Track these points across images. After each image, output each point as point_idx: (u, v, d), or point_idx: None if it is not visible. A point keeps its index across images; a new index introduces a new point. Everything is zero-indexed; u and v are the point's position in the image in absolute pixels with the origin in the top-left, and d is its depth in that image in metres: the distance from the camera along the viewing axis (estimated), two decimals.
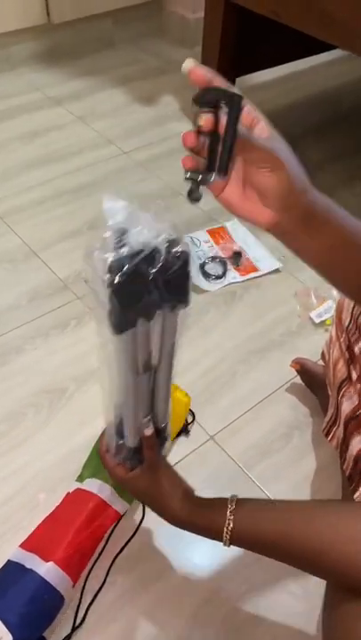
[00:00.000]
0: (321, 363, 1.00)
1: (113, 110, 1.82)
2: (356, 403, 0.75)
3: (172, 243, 0.47)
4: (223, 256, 1.30)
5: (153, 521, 0.86)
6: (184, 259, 0.47)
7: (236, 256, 1.29)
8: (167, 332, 0.53)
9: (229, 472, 0.93)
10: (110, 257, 0.45)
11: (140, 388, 0.57)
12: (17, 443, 0.94)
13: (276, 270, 1.29)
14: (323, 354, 0.95)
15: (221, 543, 0.59)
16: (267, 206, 0.47)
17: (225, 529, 0.57)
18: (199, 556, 0.84)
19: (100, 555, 0.82)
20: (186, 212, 1.44)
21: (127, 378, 0.54)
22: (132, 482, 0.66)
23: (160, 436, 0.65)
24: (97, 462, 0.83)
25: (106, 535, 0.83)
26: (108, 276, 0.44)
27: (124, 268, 0.44)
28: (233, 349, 1.12)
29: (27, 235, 1.34)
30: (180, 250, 0.47)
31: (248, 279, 1.26)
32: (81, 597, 0.78)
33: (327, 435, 0.84)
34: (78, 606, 0.77)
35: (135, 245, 0.45)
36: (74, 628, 0.76)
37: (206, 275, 1.25)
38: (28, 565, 0.74)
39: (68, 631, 0.75)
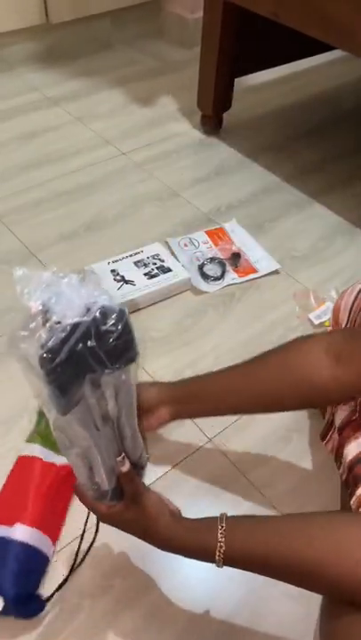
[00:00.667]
0: None
1: (111, 111, 1.82)
2: (352, 408, 0.75)
3: (105, 311, 0.44)
4: (222, 257, 1.29)
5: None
6: (122, 322, 0.46)
7: (235, 257, 1.29)
8: (121, 388, 0.52)
9: (228, 475, 0.93)
10: (40, 343, 0.42)
11: (104, 438, 0.55)
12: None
13: (275, 271, 1.28)
14: None
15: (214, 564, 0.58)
16: None
17: (217, 551, 0.57)
18: (195, 562, 0.83)
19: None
20: (184, 213, 1.44)
21: (88, 437, 0.53)
22: (116, 517, 0.64)
23: (137, 467, 0.64)
24: (36, 426, 0.89)
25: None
26: (42, 366, 0.43)
27: (59, 355, 0.42)
28: (231, 351, 1.12)
29: (25, 236, 1.34)
30: (114, 316, 0.45)
31: (247, 280, 1.26)
32: None
33: (323, 438, 0.83)
34: None
35: (64, 321, 0.43)
36: None
37: (205, 276, 1.24)
38: None
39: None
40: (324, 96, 2.00)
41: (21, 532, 0.76)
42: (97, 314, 0.44)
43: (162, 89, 1.93)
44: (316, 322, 1.17)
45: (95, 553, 0.82)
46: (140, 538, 0.65)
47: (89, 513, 0.83)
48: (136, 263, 1.22)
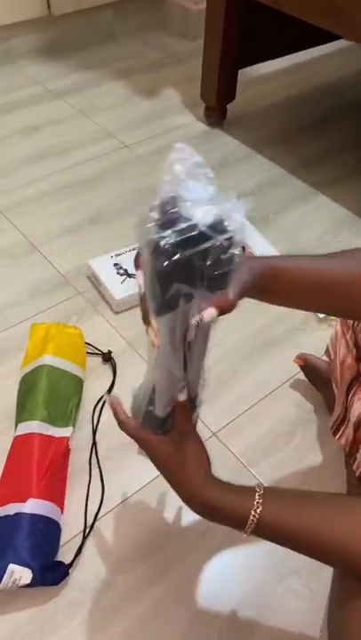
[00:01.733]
0: (325, 358, 0.99)
1: (114, 103, 1.80)
2: None
3: (231, 243, 0.45)
4: None
5: (154, 520, 0.85)
6: (235, 262, 0.46)
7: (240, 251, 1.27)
8: (196, 347, 0.53)
9: (232, 469, 0.92)
10: (166, 239, 0.43)
11: (176, 361, 0.55)
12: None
13: None
14: (327, 350, 0.94)
15: (239, 531, 0.55)
16: None
17: (252, 513, 0.53)
18: (201, 555, 0.82)
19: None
20: None
21: (167, 352, 0.53)
22: (155, 444, 0.59)
23: (192, 404, 0.62)
24: (22, 407, 0.91)
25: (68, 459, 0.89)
26: (156, 257, 0.44)
27: (175, 256, 0.43)
28: (235, 346, 1.11)
29: (27, 229, 1.33)
30: (231, 252, 0.45)
31: None
32: None
33: (335, 433, 0.82)
34: None
35: (197, 227, 0.44)
36: None
37: None
38: (12, 513, 0.78)
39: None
40: (328, 87, 1.98)
41: (34, 505, 0.78)
42: (223, 241, 0.44)
43: (165, 81, 1.92)
44: (322, 315, 1.15)
45: (98, 547, 0.82)
46: (168, 479, 0.59)
47: (89, 483, 0.88)
48: None
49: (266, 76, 1.97)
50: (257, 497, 0.54)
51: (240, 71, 1.65)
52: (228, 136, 1.68)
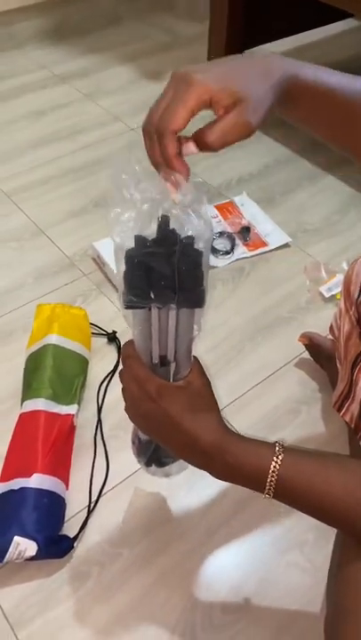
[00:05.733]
0: (330, 337, 0.99)
1: (120, 87, 1.79)
2: None
3: (192, 238, 0.46)
4: (231, 231, 1.28)
5: (158, 496, 0.86)
6: (196, 260, 0.46)
7: (245, 231, 1.27)
8: (182, 328, 0.52)
9: None
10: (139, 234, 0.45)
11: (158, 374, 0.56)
12: None
13: (286, 245, 1.27)
14: (331, 328, 0.93)
15: (259, 491, 0.51)
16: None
17: (273, 461, 0.49)
18: (204, 529, 0.83)
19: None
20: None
21: (144, 338, 0.54)
22: (173, 391, 0.54)
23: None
24: (28, 385, 0.92)
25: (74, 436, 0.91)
26: (128, 252, 0.45)
27: (146, 251, 0.45)
28: (241, 325, 1.11)
29: (33, 213, 1.33)
30: (194, 250, 0.46)
31: (257, 254, 1.24)
32: None
33: (339, 409, 0.82)
34: None
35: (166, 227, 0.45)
36: None
37: (214, 250, 1.23)
38: (17, 488, 0.79)
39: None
40: (336, 67, 1.94)
41: (39, 480, 0.80)
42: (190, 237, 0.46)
43: (172, 63, 1.90)
44: (328, 295, 1.15)
45: (103, 521, 0.83)
46: (181, 429, 0.52)
47: (94, 460, 0.89)
48: None
49: None
50: (277, 447, 0.51)
51: (247, 51, 1.63)
52: None
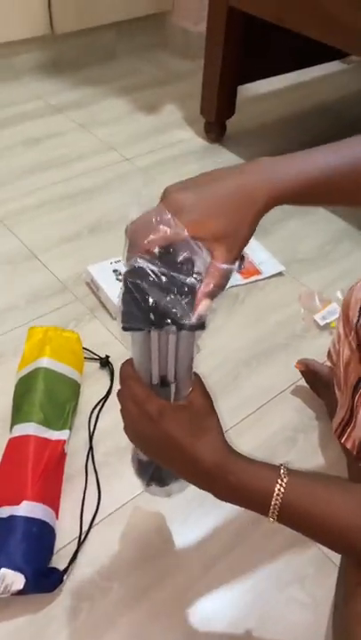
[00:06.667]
0: (327, 364, 0.98)
1: (115, 118, 1.82)
2: None
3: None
4: None
5: (152, 527, 0.83)
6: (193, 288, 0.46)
7: (239, 259, 1.27)
8: (182, 349, 0.51)
9: None
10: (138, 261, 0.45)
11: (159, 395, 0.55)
12: None
13: (280, 274, 1.27)
14: (329, 354, 0.92)
15: (263, 515, 0.50)
16: None
17: (278, 483, 0.48)
18: (200, 562, 0.80)
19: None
20: None
21: (144, 362, 0.52)
22: (173, 412, 0.52)
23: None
24: (18, 409, 0.89)
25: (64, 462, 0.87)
26: (126, 274, 0.45)
27: (148, 277, 0.45)
28: (236, 352, 1.09)
29: (26, 237, 1.32)
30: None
31: (251, 282, 1.24)
32: None
33: (340, 436, 0.80)
34: None
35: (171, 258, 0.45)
36: None
37: None
38: (5, 516, 0.75)
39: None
40: (326, 106, 2.01)
41: (28, 508, 0.76)
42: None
43: (166, 98, 1.94)
44: (322, 323, 1.14)
45: (94, 553, 0.79)
46: (183, 450, 0.51)
47: (85, 489, 0.85)
48: None
49: (265, 94, 2.00)
50: (282, 470, 0.50)
51: (239, 88, 1.67)
52: (227, 151, 1.69)
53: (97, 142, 1.69)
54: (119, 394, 0.57)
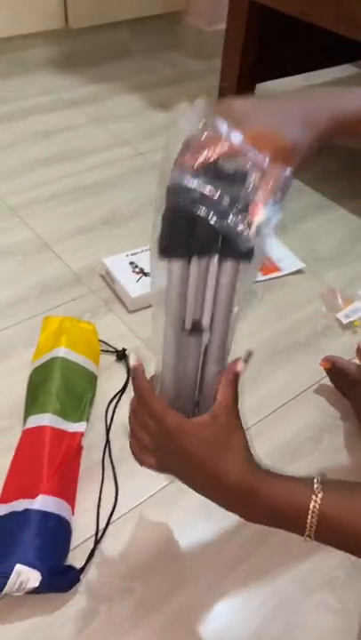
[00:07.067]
0: (355, 361, 0.94)
1: (129, 114, 1.79)
2: None
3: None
4: None
5: (172, 526, 0.79)
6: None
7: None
8: (222, 288, 0.46)
9: None
10: (190, 179, 0.40)
11: (186, 353, 0.50)
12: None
13: (299, 271, 1.23)
14: (358, 350, 0.89)
15: (299, 534, 0.47)
16: None
17: (312, 502, 0.45)
18: (223, 564, 0.75)
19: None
20: None
21: (173, 334, 0.48)
22: (190, 429, 0.50)
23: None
24: (33, 399, 0.84)
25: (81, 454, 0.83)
26: (169, 192, 0.41)
27: (193, 198, 0.40)
28: (259, 347, 1.06)
29: (40, 228, 1.29)
30: (245, 235, 0.42)
31: (270, 279, 1.21)
32: None
33: None
34: None
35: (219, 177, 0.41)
36: None
37: None
38: (19, 510, 0.71)
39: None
40: None
41: (44, 502, 0.71)
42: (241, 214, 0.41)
43: (180, 96, 1.90)
44: (345, 321, 1.11)
45: (112, 552, 0.75)
46: (209, 468, 0.49)
47: (102, 484, 0.81)
48: None
49: (283, 93, 1.98)
50: (316, 485, 0.47)
51: (258, 86, 1.65)
52: None
53: (111, 137, 1.66)
54: (133, 406, 0.54)
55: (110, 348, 1.02)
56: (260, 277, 1.21)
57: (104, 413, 0.91)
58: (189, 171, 0.42)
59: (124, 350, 1.01)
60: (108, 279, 1.16)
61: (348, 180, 1.57)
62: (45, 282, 1.15)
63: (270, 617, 0.71)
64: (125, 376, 0.98)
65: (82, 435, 0.82)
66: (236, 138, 0.43)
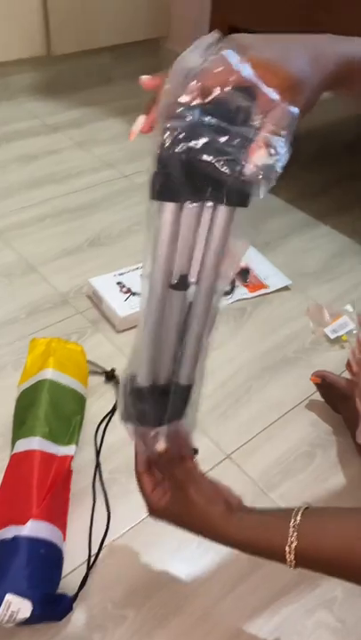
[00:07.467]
0: (345, 375, 0.94)
1: (112, 138, 1.81)
2: None
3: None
4: None
5: (166, 549, 0.77)
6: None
7: (244, 272, 1.24)
8: (214, 238, 0.43)
9: (249, 493, 0.84)
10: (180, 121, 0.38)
11: (169, 309, 0.46)
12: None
13: (286, 287, 1.24)
14: (348, 364, 0.89)
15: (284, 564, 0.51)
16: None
17: (287, 547, 0.49)
18: (219, 586, 0.74)
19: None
20: None
21: (157, 287, 0.45)
22: (166, 512, 0.58)
23: (182, 397, 0.52)
24: (21, 423, 0.83)
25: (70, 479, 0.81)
26: (166, 140, 0.38)
27: (187, 144, 0.38)
28: (246, 364, 1.05)
29: (25, 250, 1.28)
30: (244, 174, 0.39)
31: (257, 295, 1.21)
32: None
33: None
34: None
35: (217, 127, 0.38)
36: None
37: None
38: (9, 537, 0.69)
39: None
40: (315, 130, 2.03)
41: (34, 528, 0.69)
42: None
43: None
44: (333, 336, 1.11)
45: (105, 578, 0.73)
46: (195, 533, 0.57)
47: (93, 508, 0.81)
48: None
49: None
50: (291, 529, 0.49)
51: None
52: None
53: (95, 160, 1.67)
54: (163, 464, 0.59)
55: (99, 369, 1.00)
56: (248, 294, 1.21)
57: (93, 436, 0.90)
58: (186, 105, 0.39)
59: (112, 370, 1.00)
60: (95, 299, 1.15)
61: (330, 197, 1.59)
62: (32, 304, 1.14)
63: (271, 638, 0.70)
64: (115, 397, 0.97)
65: (71, 458, 0.80)
66: (242, 68, 0.38)
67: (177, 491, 0.56)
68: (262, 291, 1.22)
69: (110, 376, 0.99)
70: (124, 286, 1.14)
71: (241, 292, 1.21)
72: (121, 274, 1.17)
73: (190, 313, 0.48)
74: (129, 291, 1.13)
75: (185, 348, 0.50)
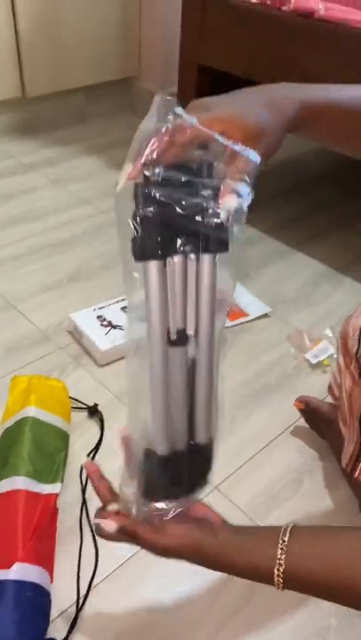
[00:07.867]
0: (328, 399, 0.95)
1: (87, 175, 1.84)
2: None
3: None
4: None
5: (158, 585, 0.75)
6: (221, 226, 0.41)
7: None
8: (203, 287, 0.44)
9: (239, 524, 0.83)
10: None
11: (173, 367, 0.47)
12: None
13: (266, 315, 1.25)
14: (330, 388, 0.90)
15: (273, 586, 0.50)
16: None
17: (275, 570, 0.48)
18: (211, 624, 0.72)
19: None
20: None
21: (157, 348, 0.45)
22: (153, 548, 0.57)
23: (202, 456, 0.55)
24: (4, 463, 0.81)
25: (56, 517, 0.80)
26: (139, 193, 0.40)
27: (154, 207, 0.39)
28: (229, 394, 1.05)
29: (3, 288, 1.28)
30: (218, 219, 0.41)
31: (237, 324, 1.22)
32: None
33: (352, 471, 0.76)
34: None
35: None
36: None
37: None
38: None
39: None
40: (290, 162, 2.09)
41: (21, 571, 0.67)
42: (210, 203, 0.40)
43: None
44: (314, 361, 1.12)
45: (94, 620, 0.71)
46: (183, 558, 0.56)
47: (81, 547, 0.78)
48: (123, 308, 1.17)
49: None
50: (280, 540, 0.49)
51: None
52: None
53: (71, 197, 1.69)
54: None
55: (81, 405, 1.00)
56: (228, 323, 1.22)
57: (78, 473, 0.88)
58: (153, 166, 0.42)
59: (95, 406, 0.99)
60: (75, 334, 1.15)
61: (303, 227, 1.63)
62: (11, 341, 1.13)
63: None
64: (99, 432, 0.96)
65: (57, 496, 0.79)
66: (196, 122, 0.41)
67: (153, 534, 0.56)
68: (242, 319, 1.23)
69: (93, 411, 0.99)
70: (104, 320, 1.15)
71: None
72: (101, 307, 1.18)
73: (195, 366, 0.48)
74: (110, 324, 1.13)
75: (197, 405, 0.51)
